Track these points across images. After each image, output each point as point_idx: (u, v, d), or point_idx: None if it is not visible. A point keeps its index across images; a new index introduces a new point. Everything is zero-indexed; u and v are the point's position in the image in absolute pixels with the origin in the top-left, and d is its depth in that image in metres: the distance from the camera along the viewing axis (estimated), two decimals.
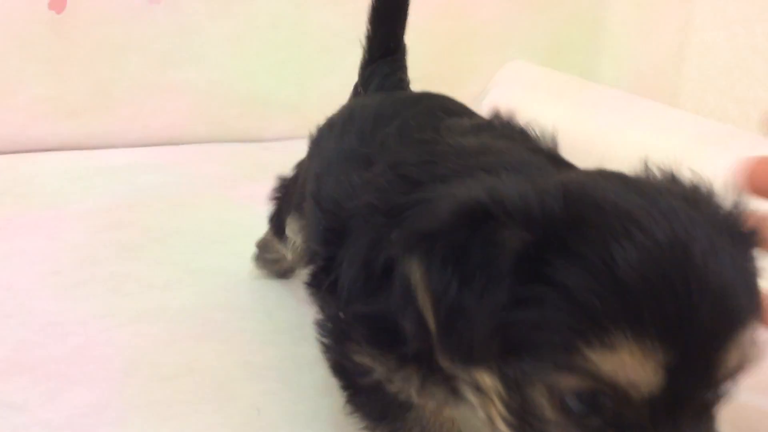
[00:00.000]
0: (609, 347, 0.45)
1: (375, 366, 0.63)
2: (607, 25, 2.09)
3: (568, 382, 0.47)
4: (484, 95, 2.02)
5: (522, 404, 0.50)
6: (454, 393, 0.59)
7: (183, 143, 1.76)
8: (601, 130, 1.69)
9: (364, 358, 0.63)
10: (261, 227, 1.26)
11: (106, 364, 0.88)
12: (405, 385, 0.62)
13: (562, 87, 1.91)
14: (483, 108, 1.96)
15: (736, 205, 0.54)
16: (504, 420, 0.52)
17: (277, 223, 1.07)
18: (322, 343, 0.70)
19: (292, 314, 1.03)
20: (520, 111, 1.91)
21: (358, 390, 0.68)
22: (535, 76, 2.00)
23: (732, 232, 0.52)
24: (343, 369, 0.69)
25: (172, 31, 1.66)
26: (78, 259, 1.16)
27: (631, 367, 0.45)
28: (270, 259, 1.13)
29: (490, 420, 0.54)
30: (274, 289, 1.11)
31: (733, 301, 0.48)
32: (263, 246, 1.14)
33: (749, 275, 0.51)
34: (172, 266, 1.15)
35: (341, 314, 0.66)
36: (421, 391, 0.62)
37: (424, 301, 0.51)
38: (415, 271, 0.51)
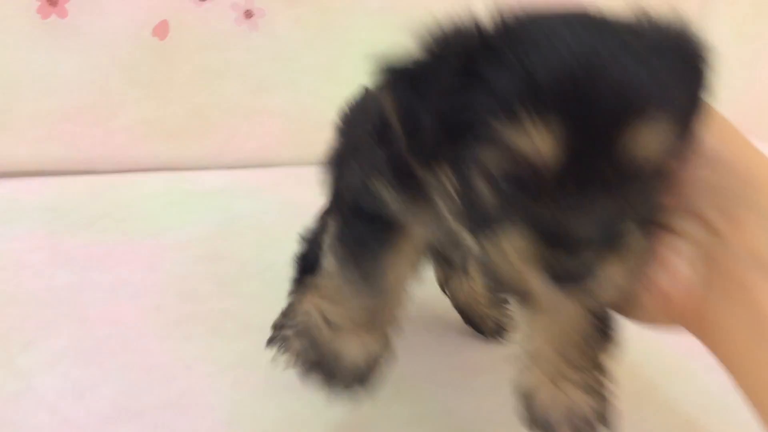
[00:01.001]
0: (518, 122, 0.54)
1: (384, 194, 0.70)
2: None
3: (493, 159, 0.56)
4: None
5: (469, 193, 0.59)
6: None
7: (274, 165, 1.79)
8: None
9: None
10: None
11: (210, 414, 0.91)
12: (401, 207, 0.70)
13: None
14: None
15: (684, 33, 0.62)
16: (458, 212, 0.62)
17: None
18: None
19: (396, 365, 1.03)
20: None
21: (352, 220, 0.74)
22: None
23: (675, 53, 0.58)
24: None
25: (268, 57, 1.69)
26: (179, 293, 1.19)
27: (536, 138, 0.53)
28: None
29: (451, 215, 0.63)
30: None
31: (638, 99, 0.54)
32: None
33: (669, 84, 0.56)
34: (268, 305, 1.17)
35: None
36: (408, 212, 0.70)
37: (394, 121, 0.62)
38: (386, 100, 0.62)
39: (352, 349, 0.73)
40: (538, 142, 0.54)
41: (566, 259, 0.55)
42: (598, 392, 0.70)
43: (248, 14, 1.65)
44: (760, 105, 1.86)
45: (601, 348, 0.70)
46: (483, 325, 1.10)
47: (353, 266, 0.73)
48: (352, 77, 1.83)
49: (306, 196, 1.59)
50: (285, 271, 1.28)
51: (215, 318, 1.13)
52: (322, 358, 0.74)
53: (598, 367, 0.70)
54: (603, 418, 0.70)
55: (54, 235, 1.36)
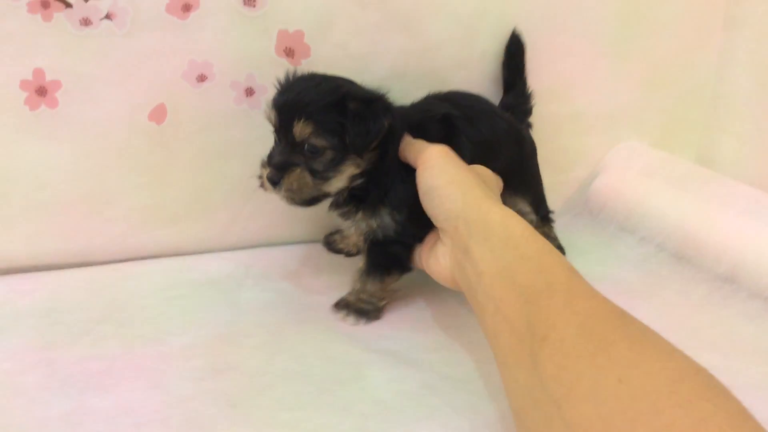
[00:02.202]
0: (269, 110, 1.33)
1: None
2: (728, 103, 1.93)
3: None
4: (593, 179, 1.90)
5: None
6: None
7: (281, 244, 1.70)
8: (735, 234, 1.55)
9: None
10: (370, 366, 1.19)
11: None
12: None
13: (684, 176, 1.77)
14: (591, 193, 1.87)
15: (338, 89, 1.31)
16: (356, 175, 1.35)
17: None
18: None
19: None
20: (636, 200, 1.79)
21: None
22: (651, 161, 1.87)
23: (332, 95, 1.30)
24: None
25: (271, 134, 1.61)
26: (186, 419, 1.10)
27: (272, 115, 1.32)
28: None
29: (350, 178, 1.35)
30: None
31: (300, 108, 1.27)
32: None
33: (314, 109, 1.27)
34: (283, 429, 1.08)
35: None
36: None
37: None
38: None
39: None
40: (272, 116, 1.30)
41: (269, 172, 1.31)
42: (367, 301, 1.40)
43: (249, 92, 1.57)
44: None
45: (378, 281, 1.41)
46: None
47: None
48: None
49: (312, 282, 1.52)
50: (298, 383, 1.20)
51: None
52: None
53: (369, 291, 1.41)
54: (363, 312, 1.40)
55: (49, 349, 1.27)
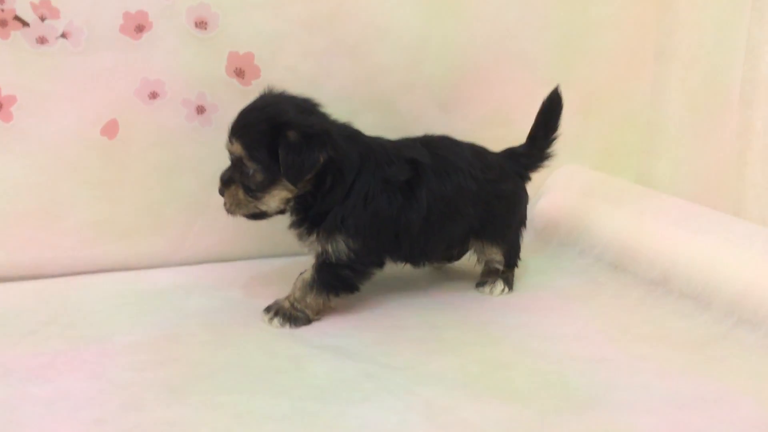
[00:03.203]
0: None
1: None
2: (661, 128, 2.03)
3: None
4: (537, 200, 1.97)
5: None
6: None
7: (231, 260, 1.74)
8: (666, 242, 1.62)
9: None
10: (311, 359, 1.22)
11: None
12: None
13: (619, 194, 1.85)
14: (536, 213, 1.94)
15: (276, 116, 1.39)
16: (290, 199, 1.42)
17: None
18: None
19: None
20: (576, 217, 1.86)
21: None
22: (590, 181, 1.96)
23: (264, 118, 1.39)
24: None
25: (222, 151, 1.65)
26: (123, 403, 1.12)
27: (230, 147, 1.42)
28: None
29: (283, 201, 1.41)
30: None
31: (237, 129, 1.39)
32: None
33: (251, 131, 1.38)
34: (219, 409, 1.10)
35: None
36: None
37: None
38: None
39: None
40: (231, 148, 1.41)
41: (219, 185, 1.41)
42: (297, 309, 1.43)
43: (200, 110, 1.63)
44: (717, 174, 1.86)
45: (315, 295, 1.43)
46: None
47: None
48: None
49: (262, 291, 1.55)
50: (240, 373, 1.23)
51: (160, 429, 1.05)
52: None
53: (304, 302, 1.43)
54: (289, 317, 1.43)
55: None
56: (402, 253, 1.52)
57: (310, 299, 1.43)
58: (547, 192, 1.98)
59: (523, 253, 1.73)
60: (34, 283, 1.57)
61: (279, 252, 1.76)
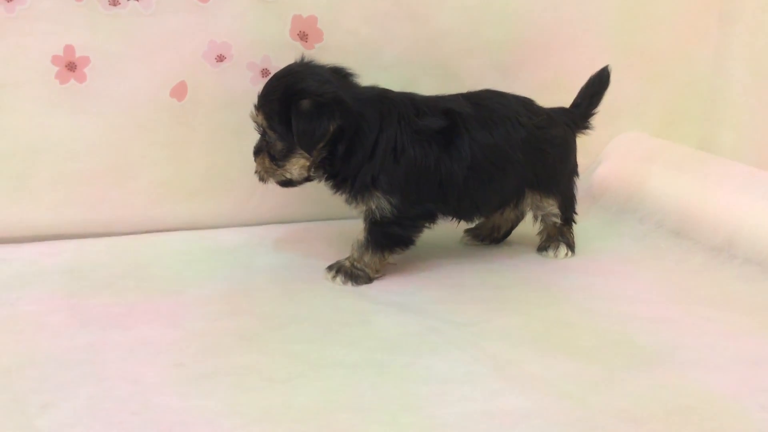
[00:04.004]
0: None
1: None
2: (725, 94, 2.00)
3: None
4: (595, 166, 1.97)
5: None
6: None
7: (293, 222, 1.77)
8: (730, 208, 1.60)
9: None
10: (376, 314, 1.25)
11: None
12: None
13: (681, 160, 1.83)
14: (594, 180, 1.94)
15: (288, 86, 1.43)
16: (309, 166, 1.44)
17: None
18: None
19: (419, 417, 0.99)
20: (636, 184, 1.85)
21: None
22: (650, 148, 1.94)
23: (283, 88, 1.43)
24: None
25: None
26: (200, 349, 1.16)
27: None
28: None
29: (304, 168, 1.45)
30: (398, 386, 1.07)
31: (260, 99, 1.46)
32: None
33: (270, 99, 1.44)
34: (293, 358, 1.14)
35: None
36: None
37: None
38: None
39: None
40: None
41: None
42: (357, 268, 1.45)
43: (265, 73, 1.66)
44: None
45: (370, 253, 1.45)
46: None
47: None
48: None
49: (325, 251, 1.59)
50: (308, 324, 1.26)
51: (237, 373, 1.09)
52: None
53: (361, 260, 1.45)
54: (350, 275, 1.45)
55: (73, 297, 1.34)
56: (451, 206, 1.51)
57: (368, 258, 1.45)
58: (606, 159, 1.97)
59: (582, 218, 1.73)
60: (106, 240, 1.62)
61: (338, 214, 1.78)
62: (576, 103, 1.70)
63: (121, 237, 1.63)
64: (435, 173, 1.45)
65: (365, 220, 1.46)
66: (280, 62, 1.67)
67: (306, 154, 1.41)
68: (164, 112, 1.63)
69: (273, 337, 1.20)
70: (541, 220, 1.64)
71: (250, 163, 1.72)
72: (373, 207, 1.44)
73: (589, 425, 0.99)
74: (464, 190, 1.48)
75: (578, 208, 1.80)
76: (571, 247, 1.63)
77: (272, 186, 1.75)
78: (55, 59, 1.54)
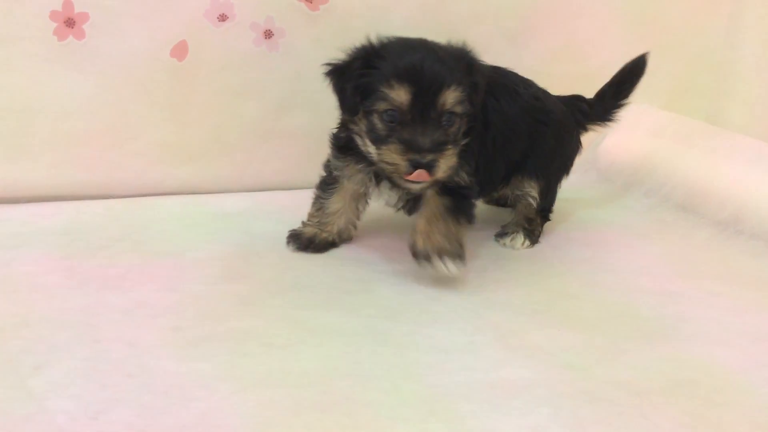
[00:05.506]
0: (391, 86, 1.18)
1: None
2: (735, 68, 1.96)
3: (381, 105, 1.20)
4: (602, 138, 1.93)
5: (370, 126, 1.23)
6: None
7: (295, 188, 1.74)
8: (737, 182, 1.58)
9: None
10: (378, 282, 1.23)
11: None
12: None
13: (689, 133, 1.80)
14: (600, 152, 1.91)
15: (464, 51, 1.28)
16: (367, 139, 1.24)
17: None
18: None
19: (421, 385, 0.98)
20: (642, 157, 1.82)
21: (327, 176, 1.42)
22: (658, 120, 1.90)
23: (459, 58, 1.25)
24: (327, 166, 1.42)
25: (288, 77, 1.66)
26: (198, 313, 1.14)
27: (398, 93, 1.18)
28: None
29: (364, 143, 1.26)
30: (400, 354, 1.06)
31: (439, 79, 1.19)
32: None
33: (454, 73, 1.21)
34: (292, 324, 1.12)
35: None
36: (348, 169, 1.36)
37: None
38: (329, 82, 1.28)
39: (309, 233, 1.42)
40: (400, 95, 1.19)
41: (417, 156, 1.17)
42: (454, 243, 1.26)
43: (268, 34, 1.62)
44: None
45: (454, 224, 1.28)
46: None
47: (320, 198, 1.44)
48: None
49: None
50: (308, 291, 1.24)
51: (236, 338, 1.07)
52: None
53: (452, 234, 1.27)
54: (457, 255, 1.26)
55: (69, 258, 1.32)
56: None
57: (452, 226, 1.29)
58: (613, 131, 1.93)
59: (586, 190, 1.71)
60: (103, 202, 1.59)
61: None
62: (602, 92, 1.60)
63: (118, 199, 1.60)
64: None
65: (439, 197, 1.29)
66: (283, 23, 1.64)
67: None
68: (164, 73, 1.59)
69: (272, 303, 1.18)
70: (515, 203, 1.52)
71: (251, 128, 1.70)
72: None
73: (592, 396, 0.97)
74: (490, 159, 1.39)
75: (584, 179, 1.78)
76: (531, 237, 1.49)
77: (274, 150, 1.73)
78: (53, 15, 1.50)
